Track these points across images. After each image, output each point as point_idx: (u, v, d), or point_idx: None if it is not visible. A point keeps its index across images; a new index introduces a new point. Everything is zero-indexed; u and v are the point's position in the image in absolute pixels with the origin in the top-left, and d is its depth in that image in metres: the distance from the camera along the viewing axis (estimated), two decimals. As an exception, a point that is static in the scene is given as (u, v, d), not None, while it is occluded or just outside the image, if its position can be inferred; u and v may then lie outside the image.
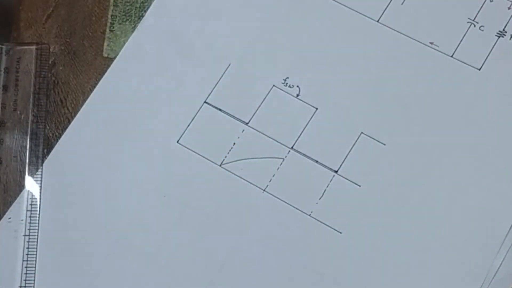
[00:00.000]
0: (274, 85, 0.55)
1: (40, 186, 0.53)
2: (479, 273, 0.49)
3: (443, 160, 0.52)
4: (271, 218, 0.52)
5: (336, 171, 0.52)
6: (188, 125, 0.54)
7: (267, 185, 0.52)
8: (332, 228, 0.48)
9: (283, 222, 0.52)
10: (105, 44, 0.57)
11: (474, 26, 0.55)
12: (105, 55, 0.57)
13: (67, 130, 0.55)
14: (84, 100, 0.56)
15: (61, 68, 0.57)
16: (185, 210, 0.52)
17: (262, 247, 0.51)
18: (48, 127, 0.55)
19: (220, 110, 0.55)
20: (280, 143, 0.53)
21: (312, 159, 0.53)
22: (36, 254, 0.52)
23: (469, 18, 0.55)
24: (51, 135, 0.55)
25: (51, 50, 0.57)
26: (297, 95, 0.54)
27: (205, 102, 0.55)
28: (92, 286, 0.51)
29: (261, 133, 0.54)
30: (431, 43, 0.55)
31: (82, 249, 0.52)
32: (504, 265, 0.49)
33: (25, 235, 0.52)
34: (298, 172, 0.52)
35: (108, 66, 0.56)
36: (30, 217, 0.53)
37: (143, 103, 0.55)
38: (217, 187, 0.53)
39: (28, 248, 0.52)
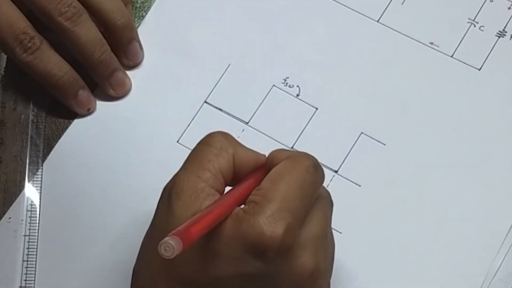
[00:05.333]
0: (274, 85, 0.55)
1: (40, 186, 0.53)
2: (479, 273, 0.49)
3: (443, 160, 0.52)
4: (271, 218, 0.52)
5: (336, 171, 0.52)
6: (188, 125, 0.54)
7: (267, 185, 0.52)
8: (332, 228, 0.48)
9: (283, 222, 0.51)
10: (105, 44, 0.57)
11: (474, 26, 0.55)
12: (105, 55, 0.57)
13: (67, 130, 0.55)
14: (84, 100, 0.56)
15: (61, 68, 0.57)
16: (185, 210, 0.52)
17: (262, 247, 0.51)
18: (48, 127, 0.55)
19: (220, 110, 0.55)
20: (280, 143, 0.53)
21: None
22: (36, 254, 0.52)
23: (469, 18, 0.55)
24: (51, 135, 0.55)
25: (51, 50, 0.57)
26: (297, 95, 0.54)
27: (205, 102, 0.55)
28: (92, 286, 0.51)
29: (261, 133, 0.54)
30: (431, 43, 0.55)
31: (82, 249, 0.52)
32: (504, 265, 0.49)
33: (25, 235, 0.52)
34: (298, 172, 0.52)
35: (108, 66, 0.56)
36: (30, 217, 0.53)
37: (143, 103, 0.55)
38: (217, 187, 0.53)
39: (28, 248, 0.52)
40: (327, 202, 0.43)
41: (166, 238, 0.33)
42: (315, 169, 0.42)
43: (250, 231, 0.38)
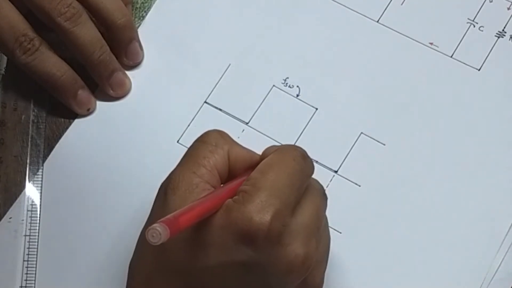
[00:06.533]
0: (274, 85, 0.55)
1: (41, 186, 0.53)
2: (479, 273, 0.49)
3: (443, 160, 0.52)
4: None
5: (336, 171, 0.52)
6: (188, 125, 0.54)
7: (267, 185, 0.52)
8: (332, 228, 0.48)
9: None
10: (105, 44, 0.57)
11: (474, 26, 0.55)
12: (105, 55, 0.57)
13: (68, 130, 0.55)
14: (84, 100, 0.56)
15: (61, 68, 0.57)
16: (185, 210, 0.52)
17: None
18: (48, 127, 0.55)
19: (220, 110, 0.55)
20: (280, 143, 0.53)
21: (312, 159, 0.53)
22: (36, 254, 0.52)
23: (468, 19, 0.55)
24: (51, 135, 0.55)
25: (51, 50, 0.57)
26: (297, 95, 0.54)
27: (205, 102, 0.55)
28: (92, 286, 0.51)
29: (261, 133, 0.54)
30: (431, 43, 0.55)
31: (82, 249, 0.52)
32: (504, 265, 0.49)
33: (25, 235, 0.52)
34: (298, 172, 0.52)
35: (109, 66, 0.56)
36: (31, 217, 0.53)
37: (143, 103, 0.55)
38: (217, 187, 0.53)
39: (28, 248, 0.52)
40: (320, 195, 0.43)
41: (154, 225, 0.34)
42: (303, 159, 0.43)
43: (239, 218, 0.39)
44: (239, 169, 0.43)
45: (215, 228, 0.39)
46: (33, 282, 0.51)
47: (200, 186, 0.41)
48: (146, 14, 0.57)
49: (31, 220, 0.53)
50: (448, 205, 0.51)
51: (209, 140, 0.43)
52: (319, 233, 0.42)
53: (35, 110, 0.55)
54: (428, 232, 0.50)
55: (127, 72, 0.55)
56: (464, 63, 0.54)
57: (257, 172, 0.41)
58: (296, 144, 0.53)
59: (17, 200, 0.53)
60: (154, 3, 0.58)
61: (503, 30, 0.55)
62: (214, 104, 0.55)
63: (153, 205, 0.42)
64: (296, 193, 0.41)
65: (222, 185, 0.43)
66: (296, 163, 0.42)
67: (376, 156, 0.52)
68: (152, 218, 0.42)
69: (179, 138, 0.54)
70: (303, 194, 0.42)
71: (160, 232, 0.34)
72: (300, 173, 0.42)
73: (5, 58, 0.56)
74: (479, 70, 0.54)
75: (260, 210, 0.39)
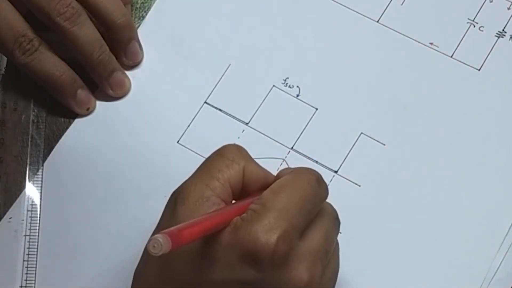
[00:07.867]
0: (274, 85, 0.55)
1: (41, 186, 0.53)
2: (479, 273, 0.49)
3: (443, 160, 0.52)
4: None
5: (336, 171, 0.52)
6: (188, 125, 0.54)
7: (267, 185, 0.52)
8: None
9: (283, 222, 0.51)
10: (105, 44, 0.57)
11: (474, 26, 0.55)
12: (105, 55, 0.57)
13: (68, 130, 0.55)
14: (84, 100, 0.56)
15: (61, 68, 0.57)
16: (186, 210, 0.52)
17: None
18: (48, 127, 0.55)
19: (220, 110, 0.55)
20: (280, 143, 0.53)
21: (312, 159, 0.53)
22: (36, 254, 0.52)
23: (469, 19, 0.55)
24: (51, 135, 0.55)
25: (51, 50, 0.57)
26: (297, 95, 0.54)
27: (205, 102, 0.55)
28: (92, 286, 0.51)
29: (261, 133, 0.54)
30: (431, 43, 0.55)
31: (82, 249, 0.52)
32: (504, 265, 0.49)
33: (25, 235, 0.52)
34: (298, 172, 0.52)
35: (108, 66, 0.56)
36: (31, 217, 0.53)
37: (143, 103, 0.55)
38: (217, 187, 0.53)
39: (28, 248, 0.52)
40: (332, 219, 0.43)
41: (156, 235, 0.33)
42: (318, 182, 0.42)
43: (246, 238, 0.38)
44: (253, 187, 0.43)
45: (221, 244, 0.39)
46: (33, 282, 0.51)
47: (211, 200, 0.40)
48: (146, 14, 0.57)
49: (31, 220, 0.53)
50: (448, 205, 0.51)
51: (226, 154, 0.42)
52: (327, 258, 0.42)
53: (35, 110, 0.55)
54: (428, 232, 0.50)
55: (127, 72, 0.56)
56: (464, 63, 0.54)
57: (269, 192, 0.41)
58: (296, 144, 0.53)
59: (17, 200, 0.53)
60: (154, 3, 0.58)
61: (503, 30, 0.55)
62: (214, 104, 0.55)
63: (162, 213, 0.42)
64: (306, 216, 0.40)
65: (233, 201, 0.42)
66: (309, 186, 0.41)
67: (376, 156, 0.52)
68: (160, 226, 0.42)
69: (179, 138, 0.54)
70: (314, 217, 0.41)
71: (162, 244, 0.33)
72: (312, 197, 0.41)
73: (5, 58, 0.56)
74: (479, 70, 0.54)
75: (267, 231, 0.38)
